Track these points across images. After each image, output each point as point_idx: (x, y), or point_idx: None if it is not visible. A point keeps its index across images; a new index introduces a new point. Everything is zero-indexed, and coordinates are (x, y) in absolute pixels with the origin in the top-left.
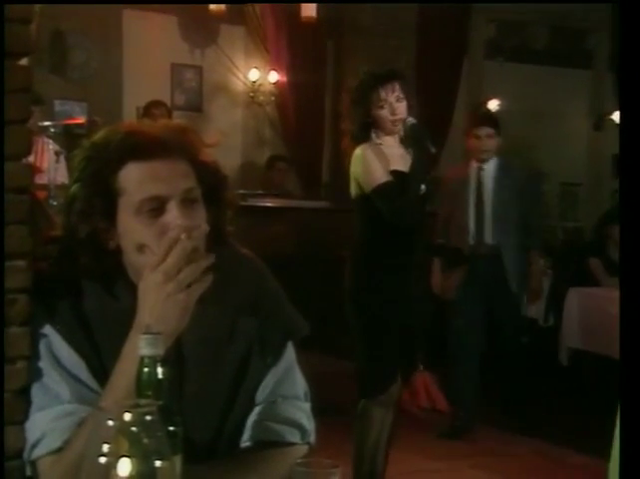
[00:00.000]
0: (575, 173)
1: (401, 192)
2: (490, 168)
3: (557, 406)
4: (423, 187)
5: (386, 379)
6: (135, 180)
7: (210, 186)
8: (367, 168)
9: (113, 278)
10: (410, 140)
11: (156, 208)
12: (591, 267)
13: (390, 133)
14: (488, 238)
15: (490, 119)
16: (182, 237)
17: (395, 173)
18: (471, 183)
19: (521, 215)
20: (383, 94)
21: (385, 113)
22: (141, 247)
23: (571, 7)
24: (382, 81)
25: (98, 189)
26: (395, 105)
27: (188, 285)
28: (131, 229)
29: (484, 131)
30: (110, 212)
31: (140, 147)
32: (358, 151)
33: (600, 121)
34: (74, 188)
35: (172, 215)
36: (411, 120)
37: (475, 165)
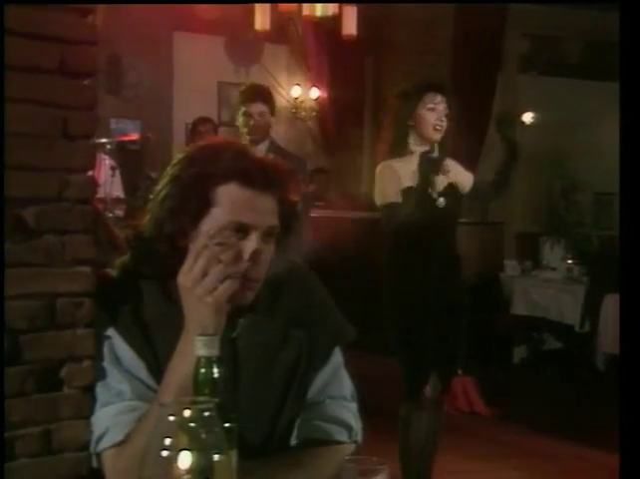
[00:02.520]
0: (609, 182)
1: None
2: None
3: (596, 410)
4: (441, 200)
5: (418, 381)
6: (231, 200)
7: (287, 221)
8: (379, 187)
9: (172, 284)
10: (421, 168)
11: (238, 231)
12: None
13: (428, 139)
14: None
15: None
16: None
17: (410, 189)
18: None
19: None
20: (436, 98)
21: (431, 115)
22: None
23: (603, 21)
24: (434, 88)
25: (194, 193)
26: (442, 114)
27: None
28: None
29: None
30: (197, 216)
31: (248, 173)
32: (378, 168)
33: None
34: (169, 187)
35: (252, 244)
36: (431, 155)
37: None
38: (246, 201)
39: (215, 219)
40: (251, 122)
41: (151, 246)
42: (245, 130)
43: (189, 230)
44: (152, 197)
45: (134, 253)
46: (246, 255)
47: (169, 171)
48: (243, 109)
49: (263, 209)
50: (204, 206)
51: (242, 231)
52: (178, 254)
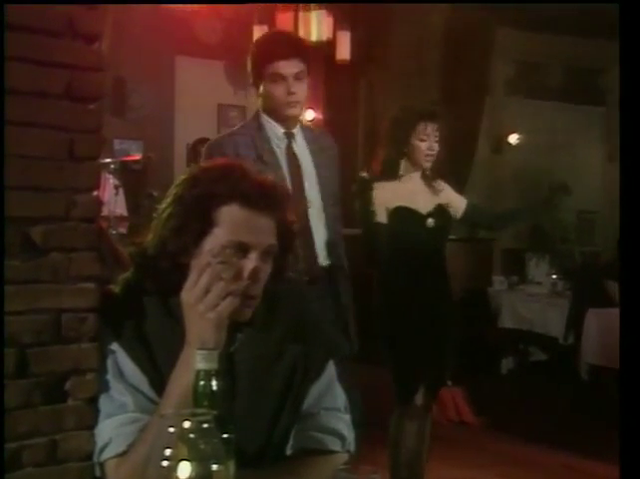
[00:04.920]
0: (591, 201)
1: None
2: None
3: (578, 420)
4: (430, 220)
5: (409, 391)
6: (233, 221)
7: (284, 241)
8: (367, 205)
9: (173, 300)
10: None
11: (239, 250)
12: (608, 289)
13: (419, 166)
14: None
15: None
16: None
17: (401, 209)
18: None
19: None
20: (427, 129)
21: (424, 146)
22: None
23: (584, 47)
24: (428, 117)
25: (197, 213)
26: (433, 142)
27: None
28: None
29: None
30: (200, 235)
31: (250, 196)
32: (364, 186)
33: (614, 153)
34: (172, 206)
35: (251, 263)
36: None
37: None
38: (247, 221)
39: (217, 238)
40: (283, 91)
41: (154, 263)
42: (280, 103)
43: (192, 248)
44: (155, 215)
45: (137, 270)
46: (246, 273)
47: (173, 190)
48: (269, 71)
49: (262, 228)
50: (207, 225)
51: (243, 250)
52: (180, 271)
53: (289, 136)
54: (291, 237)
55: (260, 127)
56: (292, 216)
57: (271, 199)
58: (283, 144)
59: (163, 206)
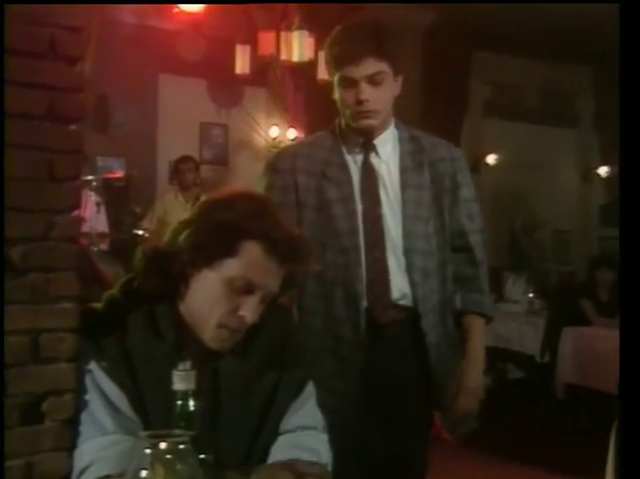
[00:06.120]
0: (567, 221)
1: None
2: None
3: (553, 436)
4: None
5: None
6: (251, 259)
7: (286, 286)
8: None
9: (160, 313)
10: None
11: (243, 287)
12: (583, 308)
13: None
14: None
15: None
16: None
17: None
18: None
19: None
20: None
21: None
22: (210, 304)
23: (559, 72)
24: None
25: (221, 238)
26: None
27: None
28: (214, 287)
29: None
30: (215, 257)
31: (277, 244)
32: None
33: (588, 174)
34: (197, 221)
35: (252, 302)
36: None
37: None
38: (263, 264)
39: (230, 268)
40: (352, 98)
41: (163, 267)
42: (350, 112)
43: (202, 266)
44: (178, 225)
45: (146, 268)
46: (243, 311)
47: (203, 205)
48: (338, 74)
49: (273, 274)
50: (225, 252)
51: (249, 288)
52: (183, 280)
53: (368, 148)
54: (293, 285)
55: (335, 136)
56: (305, 269)
57: (293, 253)
58: (360, 157)
59: (190, 216)
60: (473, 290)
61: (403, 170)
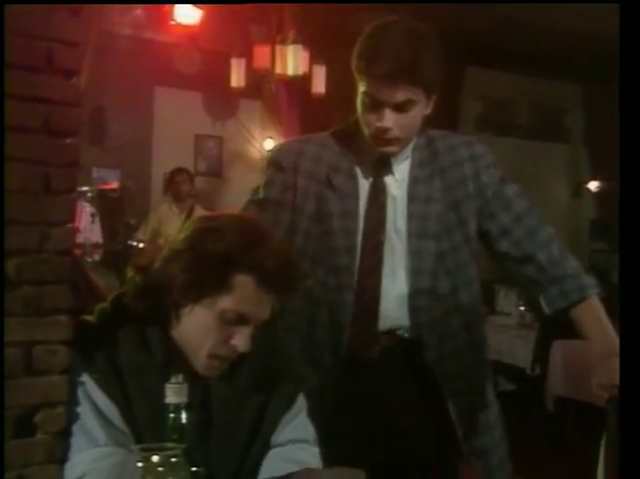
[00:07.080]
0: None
1: None
2: None
3: (544, 448)
4: None
5: None
6: (244, 292)
7: (277, 311)
8: None
9: (150, 332)
10: None
11: (235, 319)
12: (573, 321)
13: None
14: None
15: None
16: None
17: None
18: None
19: None
20: None
21: None
22: (202, 334)
23: (549, 88)
24: None
25: (213, 271)
26: None
27: None
28: (205, 319)
29: None
30: (208, 290)
31: (270, 276)
32: None
33: (578, 189)
34: (188, 251)
35: (244, 334)
36: None
37: None
38: (256, 296)
39: (222, 300)
40: (374, 120)
41: (153, 294)
42: (370, 132)
43: (193, 301)
44: (169, 252)
45: (135, 292)
46: (236, 340)
47: (191, 233)
48: (364, 88)
49: (266, 303)
50: (217, 286)
51: (242, 319)
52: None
53: (383, 163)
54: (282, 309)
55: (348, 137)
56: (295, 296)
57: (286, 282)
58: (372, 171)
59: (179, 241)
60: (569, 278)
61: (411, 181)
